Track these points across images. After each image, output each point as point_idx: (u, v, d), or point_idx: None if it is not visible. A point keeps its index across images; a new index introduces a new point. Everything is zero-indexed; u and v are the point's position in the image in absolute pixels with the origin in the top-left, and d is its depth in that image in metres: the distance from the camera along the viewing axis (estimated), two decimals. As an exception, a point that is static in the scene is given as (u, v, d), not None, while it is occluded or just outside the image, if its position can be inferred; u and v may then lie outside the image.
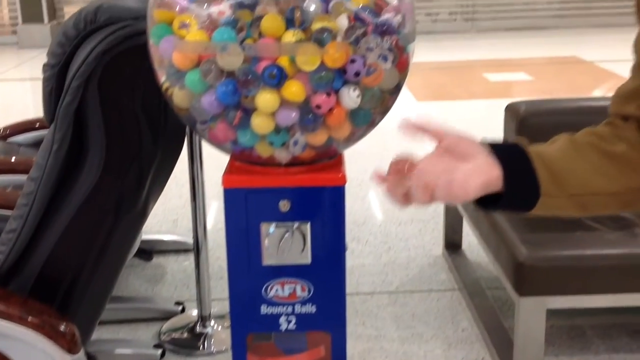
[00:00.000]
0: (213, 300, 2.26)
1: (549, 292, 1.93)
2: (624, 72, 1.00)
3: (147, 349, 2.10)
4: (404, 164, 0.93)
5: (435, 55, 6.70)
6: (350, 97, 1.09)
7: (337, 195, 1.21)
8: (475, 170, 0.91)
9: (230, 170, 1.22)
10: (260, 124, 1.09)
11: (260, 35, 1.05)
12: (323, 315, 1.27)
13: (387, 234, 2.98)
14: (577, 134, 0.99)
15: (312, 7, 1.06)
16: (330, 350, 1.30)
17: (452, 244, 2.76)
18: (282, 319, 1.27)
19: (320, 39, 1.04)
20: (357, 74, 1.07)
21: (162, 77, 1.15)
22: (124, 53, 1.35)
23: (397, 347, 2.17)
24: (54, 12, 8.26)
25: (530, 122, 2.28)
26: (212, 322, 2.22)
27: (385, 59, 1.09)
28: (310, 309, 1.26)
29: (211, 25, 1.06)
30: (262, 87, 1.05)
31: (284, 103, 1.07)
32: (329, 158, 1.23)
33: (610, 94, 1.04)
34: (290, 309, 1.26)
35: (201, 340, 2.18)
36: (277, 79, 1.04)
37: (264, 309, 1.26)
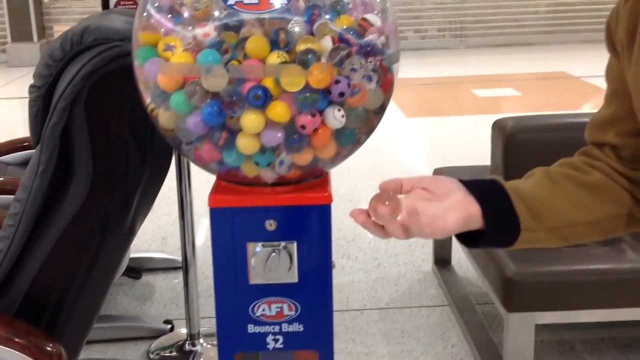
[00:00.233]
0: (202, 319, 2.26)
1: (538, 308, 1.94)
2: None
3: (136, 369, 2.10)
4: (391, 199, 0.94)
5: (424, 71, 6.74)
6: (335, 117, 1.09)
7: (323, 213, 1.21)
8: (453, 207, 0.92)
9: (216, 190, 1.22)
10: (245, 144, 1.09)
11: (245, 56, 1.06)
12: (310, 333, 1.27)
13: (377, 250, 2.98)
14: (552, 167, 1.01)
15: (297, 29, 1.07)
16: (317, 368, 1.30)
17: (442, 260, 2.77)
18: (269, 338, 1.27)
19: (304, 60, 1.05)
20: (341, 95, 1.08)
21: (148, 99, 1.15)
22: (110, 74, 1.36)
23: (387, 364, 2.17)
24: (43, 31, 8.26)
25: (518, 139, 2.30)
26: (201, 340, 2.22)
27: (369, 79, 1.10)
28: (298, 327, 1.26)
29: (196, 47, 1.07)
30: (247, 108, 1.06)
31: (269, 124, 1.07)
32: (315, 177, 1.23)
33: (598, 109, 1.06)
34: (277, 328, 1.26)
35: (190, 359, 2.17)
36: (262, 100, 1.05)
37: (251, 328, 1.26)
